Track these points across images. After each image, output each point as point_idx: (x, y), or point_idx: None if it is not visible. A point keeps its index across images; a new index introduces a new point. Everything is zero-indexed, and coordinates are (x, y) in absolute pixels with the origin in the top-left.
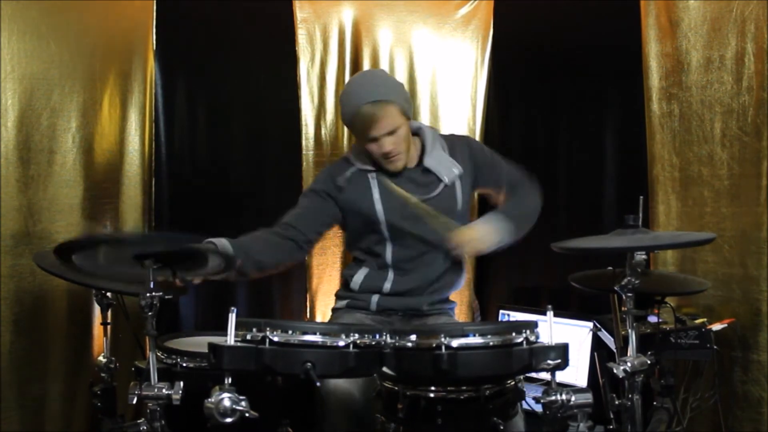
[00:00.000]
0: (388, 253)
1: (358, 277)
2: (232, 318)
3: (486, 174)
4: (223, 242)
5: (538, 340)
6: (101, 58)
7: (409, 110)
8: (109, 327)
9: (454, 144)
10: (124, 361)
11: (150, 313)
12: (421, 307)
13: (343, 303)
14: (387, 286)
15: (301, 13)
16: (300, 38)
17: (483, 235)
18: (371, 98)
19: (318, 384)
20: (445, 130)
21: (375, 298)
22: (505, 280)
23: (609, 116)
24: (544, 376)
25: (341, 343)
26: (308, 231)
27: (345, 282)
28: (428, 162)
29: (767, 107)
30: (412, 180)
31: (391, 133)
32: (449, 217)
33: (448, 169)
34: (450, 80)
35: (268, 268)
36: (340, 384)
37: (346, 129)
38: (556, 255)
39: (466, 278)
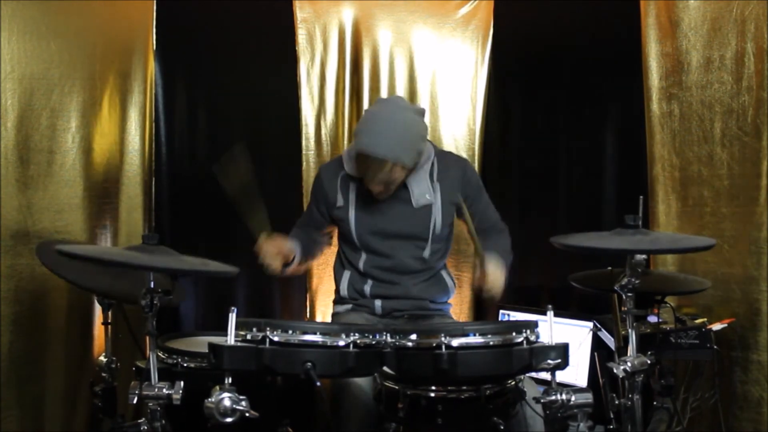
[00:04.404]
0: (362, 263)
1: (344, 283)
2: (232, 318)
3: (470, 203)
4: (297, 246)
5: (538, 340)
6: (101, 58)
7: (416, 160)
8: (109, 327)
9: (450, 165)
10: (124, 361)
11: (150, 313)
12: (426, 307)
13: (347, 307)
14: (367, 289)
15: (301, 13)
16: (300, 38)
17: (503, 279)
18: (379, 151)
19: (318, 384)
20: (445, 130)
21: (379, 302)
22: (505, 280)
23: (609, 116)
24: (545, 376)
25: (341, 343)
26: (320, 233)
27: (337, 289)
28: (409, 180)
29: (767, 107)
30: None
31: (385, 182)
32: (422, 236)
33: (421, 193)
34: (450, 80)
35: (315, 258)
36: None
37: (346, 129)
38: (556, 255)
39: (455, 283)
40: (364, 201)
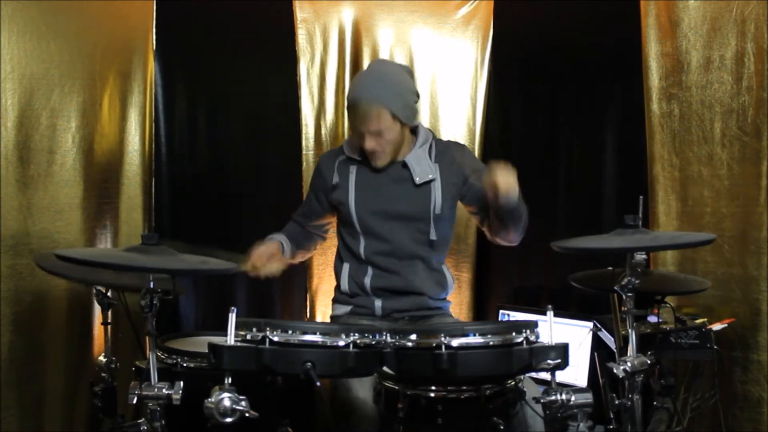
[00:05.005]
0: (362, 248)
1: (344, 276)
2: (232, 318)
3: (474, 178)
4: (284, 239)
5: (538, 340)
6: (101, 58)
7: (407, 115)
8: (109, 327)
9: (448, 147)
10: (124, 361)
11: (150, 313)
12: (426, 305)
13: (346, 309)
14: (367, 281)
15: (301, 13)
16: (300, 38)
17: (513, 181)
18: (365, 96)
19: (318, 384)
20: (445, 129)
21: (379, 302)
22: (505, 280)
23: (609, 116)
24: (544, 376)
25: (341, 343)
26: (318, 224)
27: (337, 284)
28: (408, 158)
29: (767, 107)
30: (389, 174)
31: (376, 133)
32: (423, 217)
33: (423, 170)
34: (450, 80)
35: (309, 252)
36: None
37: (345, 129)
38: (556, 255)
39: (454, 278)
40: (364, 182)
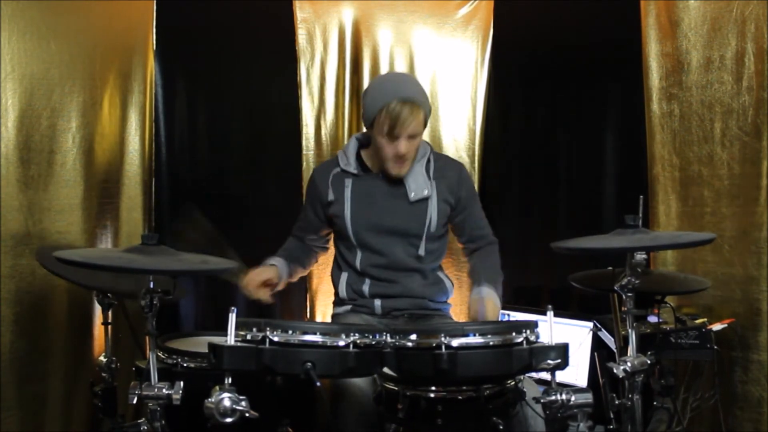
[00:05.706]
0: (358, 261)
1: (342, 285)
2: (232, 318)
3: (462, 207)
4: (281, 263)
5: (538, 340)
6: (101, 58)
7: (427, 122)
8: (109, 327)
9: (446, 165)
10: (124, 361)
11: (150, 313)
12: (426, 306)
13: (347, 308)
14: (365, 288)
15: (301, 13)
16: (300, 38)
17: (497, 308)
18: (406, 95)
19: (318, 384)
20: (445, 130)
21: (378, 302)
22: (505, 280)
23: (609, 116)
24: (544, 376)
25: (341, 343)
26: (317, 237)
27: (336, 291)
28: (404, 175)
29: (767, 107)
30: (385, 188)
31: (411, 136)
32: (417, 233)
33: (419, 186)
34: (450, 80)
35: (307, 268)
36: (352, 384)
37: (346, 129)
38: (556, 255)
39: (453, 282)
40: (360, 196)
